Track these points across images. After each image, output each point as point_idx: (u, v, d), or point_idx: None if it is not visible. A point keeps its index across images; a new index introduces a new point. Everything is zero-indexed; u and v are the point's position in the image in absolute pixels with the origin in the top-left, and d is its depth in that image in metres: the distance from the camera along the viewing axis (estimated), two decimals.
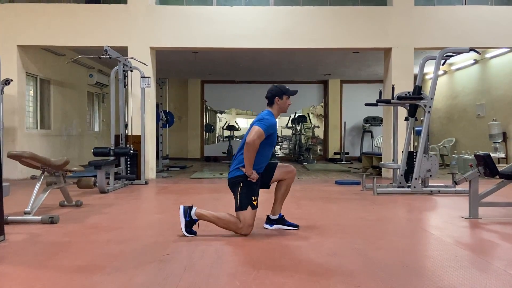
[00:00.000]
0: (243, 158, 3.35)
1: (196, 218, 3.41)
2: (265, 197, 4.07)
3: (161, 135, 10.19)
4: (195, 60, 10.20)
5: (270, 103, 3.56)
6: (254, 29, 7.94)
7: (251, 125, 3.40)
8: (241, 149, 3.42)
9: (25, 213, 3.91)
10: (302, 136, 13.63)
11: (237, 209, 3.41)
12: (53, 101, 9.22)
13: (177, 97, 13.93)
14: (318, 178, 8.20)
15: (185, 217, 3.39)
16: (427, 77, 12.19)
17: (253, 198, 3.39)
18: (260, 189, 3.57)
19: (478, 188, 4.20)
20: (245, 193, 3.38)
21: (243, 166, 3.36)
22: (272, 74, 12.57)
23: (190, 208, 3.41)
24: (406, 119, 6.37)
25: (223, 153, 13.28)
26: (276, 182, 3.69)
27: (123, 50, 7.55)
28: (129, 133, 7.40)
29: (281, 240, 3.37)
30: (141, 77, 7.40)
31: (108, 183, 6.21)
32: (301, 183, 7.41)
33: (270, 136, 3.43)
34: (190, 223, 3.41)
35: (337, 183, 7.24)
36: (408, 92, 6.11)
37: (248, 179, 3.37)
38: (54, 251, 3.03)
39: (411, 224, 4.11)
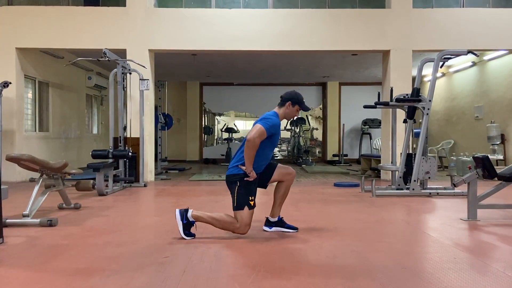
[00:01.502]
0: (243, 157, 3.34)
1: (193, 220, 3.41)
2: (264, 199, 4.08)
3: (159, 137, 10.18)
4: (193, 62, 10.20)
5: (281, 104, 3.55)
6: (253, 32, 7.95)
7: (254, 124, 3.39)
8: (242, 147, 3.41)
9: (24, 215, 3.90)
10: (300, 138, 13.64)
11: (234, 208, 3.40)
12: (52, 103, 9.21)
13: (176, 100, 13.93)
14: (317, 180, 8.20)
15: (182, 220, 3.39)
16: (425, 79, 12.21)
17: (250, 198, 3.39)
18: (260, 190, 3.57)
19: (476, 190, 4.21)
20: (242, 192, 3.38)
21: (243, 164, 3.35)
22: (270, 76, 12.58)
23: (186, 210, 3.41)
24: (405, 121, 6.37)
25: (222, 155, 13.28)
26: (275, 184, 3.69)
27: (122, 53, 7.55)
28: (128, 136, 7.39)
29: (280, 242, 3.37)
30: (140, 79, 7.40)
31: (107, 186, 6.20)
32: (300, 185, 7.41)
33: (272, 137, 3.42)
34: (187, 225, 3.41)
35: (335, 185, 7.24)
36: (407, 94, 6.13)
37: (246, 178, 3.36)
38: (53, 254, 3.03)
39: (410, 226, 4.11)
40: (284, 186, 3.64)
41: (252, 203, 3.39)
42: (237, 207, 3.38)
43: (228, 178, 3.48)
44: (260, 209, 4.50)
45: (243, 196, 3.37)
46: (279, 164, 3.67)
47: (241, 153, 3.40)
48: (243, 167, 3.34)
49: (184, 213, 3.40)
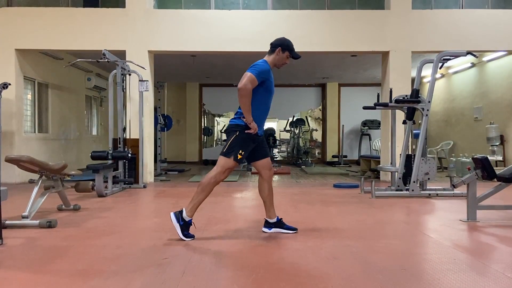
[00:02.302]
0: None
1: (190, 219, 3.40)
2: (261, 201, 4.07)
3: (159, 138, 10.19)
4: (193, 63, 10.21)
5: (271, 51, 3.57)
6: (252, 33, 7.95)
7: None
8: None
9: (23, 217, 3.90)
10: (300, 139, 13.65)
11: (222, 153, 3.41)
12: (51, 105, 9.21)
13: (175, 101, 13.94)
14: (316, 181, 8.20)
15: (178, 222, 3.39)
16: (424, 80, 12.23)
17: (240, 151, 3.38)
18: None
19: (476, 191, 4.21)
20: (236, 143, 3.38)
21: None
22: None
23: (181, 212, 3.41)
24: (404, 122, 6.38)
25: None
26: (258, 184, 3.67)
27: (121, 54, 7.55)
28: (127, 137, 7.39)
29: (280, 243, 3.36)
30: (139, 80, 7.40)
31: (106, 187, 6.20)
32: (300, 186, 7.41)
33: (264, 82, 3.42)
34: (185, 226, 3.40)
35: (335, 186, 7.24)
36: (406, 96, 6.13)
37: (247, 131, 3.35)
38: (52, 255, 3.02)
39: (410, 227, 4.11)
40: (266, 184, 3.62)
41: (239, 156, 3.38)
42: (225, 153, 3.39)
43: (229, 127, 3.48)
44: (259, 211, 4.49)
45: (235, 146, 3.37)
46: (268, 158, 3.66)
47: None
48: (245, 120, 3.33)
49: (179, 214, 3.40)
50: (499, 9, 8.21)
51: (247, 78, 3.29)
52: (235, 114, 3.53)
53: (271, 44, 3.59)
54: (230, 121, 3.52)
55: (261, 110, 3.48)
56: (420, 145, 5.94)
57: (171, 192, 6.70)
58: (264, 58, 3.57)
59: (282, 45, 3.54)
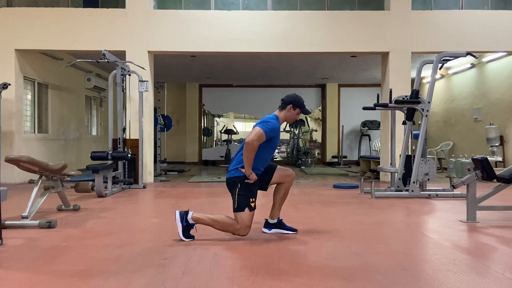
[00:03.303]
0: (242, 159, 3.35)
1: (193, 223, 3.41)
2: (263, 200, 4.07)
3: (159, 139, 10.19)
4: (193, 64, 10.21)
5: (282, 107, 3.56)
6: (252, 33, 7.95)
7: (254, 126, 3.41)
8: (241, 149, 3.42)
9: (23, 217, 3.90)
10: (300, 139, 13.65)
11: (235, 210, 3.41)
12: (51, 105, 9.20)
13: (175, 101, 13.93)
14: (316, 182, 8.20)
15: (181, 222, 3.39)
16: (424, 81, 12.23)
17: (251, 200, 3.39)
18: (259, 192, 3.57)
19: (475, 191, 4.21)
20: (243, 194, 3.38)
21: (242, 167, 3.36)
22: (270, 78, 12.59)
23: (186, 212, 3.41)
24: (404, 122, 6.38)
25: (221, 157, 13.28)
26: (275, 185, 3.69)
27: (121, 54, 7.55)
28: (127, 137, 7.38)
29: (280, 244, 3.36)
30: (139, 81, 7.40)
31: (106, 187, 6.19)
32: (299, 187, 7.41)
33: (271, 140, 3.44)
34: (187, 227, 3.40)
35: (335, 186, 7.24)
36: (406, 96, 6.14)
37: (247, 180, 3.37)
38: (52, 255, 3.02)
39: (409, 228, 4.11)
40: (284, 188, 3.64)
41: (252, 205, 3.40)
42: (238, 208, 3.39)
43: (229, 180, 3.49)
44: (259, 211, 4.49)
45: (244, 198, 3.38)
46: (278, 166, 3.68)
47: (240, 155, 3.40)
48: (243, 170, 3.35)
49: (184, 215, 3.40)
50: (498, 10, 8.21)
51: (255, 133, 3.30)
52: (231, 163, 3.52)
53: (283, 100, 3.59)
54: (228, 174, 3.50)
55: (260, 162, 3.47)
56: (419, 145, 5.94)
57: (170, 192, 6.70)
58: (275, 113, 3.56)
59: (293, 102, 3.54)
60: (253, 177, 3.37)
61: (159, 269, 2.68)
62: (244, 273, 2.63)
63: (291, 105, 3.53)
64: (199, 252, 3.07)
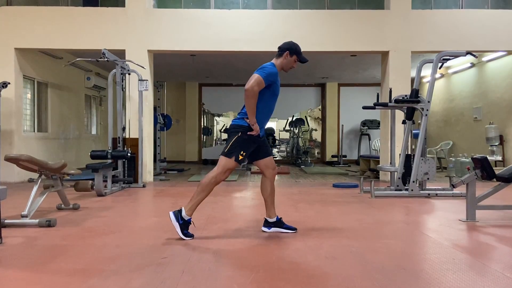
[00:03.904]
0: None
1: (189, 218, 3.40)
2: (260, 200, 4.07)
3: (158, 138, 10.19)
4: (193, 63, 10.21)
5: (279, 54, 3.56)
6: (252, 32, 7.95)
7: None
8: None
9: (22, 216, 3.90)
10: (299, 139, 13.65)
11: (223, 153, 3.42)
12: (51, 104, 9.20)
13: (175, 100, 13.93)
14: (316, 181, 8.20)
15: (177, 221, 3.39)
16: (424, 80, 12.23)
17: (242, 152, 3.38)
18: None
19: (475, 191, 4.22)
20: (238, 143, 3.38)
21: (248, 118, 3.35)
22: None
23: (180, 211, 3.41)
24: (404, 122, 6.39)
25: None
26: (260, 183, 3.68)
27: (121, 53, 7.55)
28: (127, 136, 7.38)
29: (279, 243, 3.36)
30: (139, 80, 7.40)
31: (105, 186, 6.19)
32: (299, 186, 7.41)
33: (271, 85, 3.43)
34: (185, 225, 3.40)
35: (334, 186, 7.24)
36: (406, 95, 6.14)
37: (249, 132, 3.36)
38: (52, 254, 3.02)
39: (409, 227, 4.12)
40: (269, 183, 3.63)
41: (241, 157, 3.39)
42: (227, 153, 3.39)
43: (232, 127, 3.49)
44: (258, 210, 4.49)
45: (237, 147, 3.38)
46: (271, 157, 3.68)
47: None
48: (248, 120, 3.34)
49: (178, 213, 3.40)
50: (498, 9, 8.21)
51: (254, 79, 3.30)
52: (238, 114, 3.54)
53: (279, 47, 3.59)
54: (232, 121, 3.52)
55: (265, 112, 3.49)
56: (419, 145, 5.94)
57: (170, 191, 6.70)
58: (272, 61, 3.57)
59: (290, 49, 3.54)
60: (256, 127, 3.35)
61: (158, 268, 2.68)
62: (244, 272, 2.63)
63: (287, 51, 3.53)
64: (198, 251, 3.07)
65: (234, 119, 3.54)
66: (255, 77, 3.32)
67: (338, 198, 5.89)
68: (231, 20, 7.99)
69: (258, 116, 3.39)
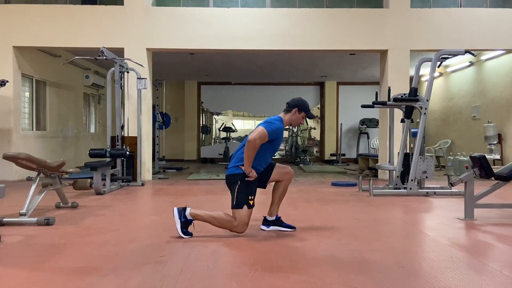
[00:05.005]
0: (243, 157, 3.35)
1: (191, 218, 3.41)
2: (262, 198, 4.08)
3: (157, 136, 10.18)
4: (191, 61, 10.19)
5: (287, 110, 3.58)
6: (251, 31, 7.94)
7: (258, 126, 3.42)
8: (242, 147, 3.42)
9: (21, 214, 3.89)
10: (298, 137, 13.65)
11: (233, 207, 3.41)
12: (49, 102, 9.18)
13: (174, 99, 13.91)
14: (315, 180, 8.21)
15: (180, 218, 3.40)
16: (423, 79, 12.23)
17: (250, 198, 3.40)
18: (258, 189, 3.58)
19: (473, 189, 4.22)
20: (242, 191, 3.39)
21: (243, 165, 3.36)
22: (268, 75, 12.58)
23: (184, 209, 3.41)
24: (402, 120, 6.39)
25: (220, 154, 13.28)
26: (274, 183, 3.70)
27: (119, 52, 7.54)
28: (126, 135, 7.37)
29: (278, 241, 3.37)
30: (138, 78, 7.39)
31: (104, 185, 6.18)
32: (298, 184, 7.42)
33: (273, 141, 3.46)
34: (185, 224, 3.41)
35: (333, 184, 7.25)
36: (404, 94, 6.14)
37: (247, 178, 3.37)
38: (50, 252, 3.02)
39: (407, 225, 4.12)
40: (283, 185, 3.65)
41: (251, 202, 3.40)
42: (236, 205, 3.39)
43: (229, 177, 3.49)
44: (257, 208, 4.49)
45: (243, 195, 3.38)
46: (277, 164, 3.69)
47: (241, 153, 3.41)
48: (243, 168, 3.35)
49: (182, 211, 3.41)
50: (497, 8, 8.21)
51: (258, 133, 3.31)
52: (231, 160, 3.53)
53: (288, 103, 3.60)
54: (228, 171, 3.50)
55: (260, 161, 3.47)
56: (418, 143, 5.95)
57: (169, 190, 6.70)
58: (280, 115, 3.58)
59: (298, 106, 3.55)
60: (252, 174, 3.37)
61: (157, 266, 2.69)
62: (243, 270, 2.63)
63: (296, 108, 3.55)
64: (197, 249, 3.08)
65: (228, 167, 3.52)
66: (259, 129, 3.34)
67: (337, 197, 5.89)
68: (230, 19, 7.98)
69: (254, 163, 3.39)
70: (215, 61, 10.37)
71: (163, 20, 7.92)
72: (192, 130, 14.15)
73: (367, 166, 9.27)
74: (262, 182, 3.60)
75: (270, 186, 3.72)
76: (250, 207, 3.40)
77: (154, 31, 7.89)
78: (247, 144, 3.31)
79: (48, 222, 3.86)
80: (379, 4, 8.36)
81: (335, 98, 14.03)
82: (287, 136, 14.35)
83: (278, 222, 3.71)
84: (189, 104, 14.13)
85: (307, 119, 14.32)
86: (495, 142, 8.92)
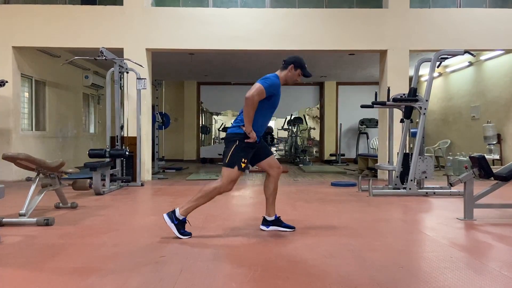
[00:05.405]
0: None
1: (184, 217, 3.40)
2: (261, 198, 4.07)
3: (157, 136, 10.18)
4: (191, 61, 10.20)
5: (284, 67, 3.56)
6: (250, 31, 7.95)
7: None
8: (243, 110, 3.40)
9: (20, 215, 3.89)
10: (298, 138, 13.65)
11: (225, 164, 3.39)
12: (49, 102, 9.18)
13: (173, 99, 13.92)
14: (314, 180, 8.21)
15: (172, 222, 3.39)
16: (422, 79, 12.25)
17: (243, 160, 3.37)
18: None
19: (473, 189, 4.23)
20: (238, 152, 3.37)
21: (244, 125, 3.35)
22: None
23: (173, 211, 3.41)
24: (402, 121, 6.39)
25: (219, 154, 13.24)
26: (264, 183, 3.68)
27: (119, 52, 7.54)
28: (125, 135, 7.37)
29: (277, 241, 3.37)
30: (137, 78, 7.39)
31: (103, 185, 6.19)
32: (297, 184, 7.42)
33: (271, 97, 3.43)
34: (180, 224, 3.40)
35: (333, 184, 7.25)
36: (404, 94, 6.14)
37: (246, 140, 3.36)
38: (50, 253, 3.02)
39: (407, 225, 4.12)
40: (272, 182, 3.63)
41: (243, 165, 3.37)
42: (229, 164, 3.37)
43: (228, 136, 3.47)
44: (257, 208, 4.49)
45: (237, 156, 3.36)
46: (273, 155, 3.68)
47: (242, 114, 3.39)
48: (244, 128, 3.34)
49: (172, 214, 3.40)
50: (496, 8, 8.22)
51: (256, 89, 3.30)
52: (233, 122, 3.53)
53: (284, 60, 3.59)
54: (228, 130, 3.51)
55: (261, 121, 3.47)
56: (417, 143, 5.95)
57: (168, 190, 6.70)
58: (276, 73, 3.57)
59: (295, 63, 3.55)
60: (253, 135, 3.35)
61: (156, 266, 2.69)
62: (242, 270, 2.63)
63: (292, 65, 3.54)
64: (196, 250, 3.08)
65: (229, 127, 3.53)
66: (256, 86, 3.32)
67: (336, 197, 5.90)
68: (229, 19, 7.98)
69: (255, 125, 3.38)
70: (215, 61, 10.38)
71: (163, 20, 7.92)
72: (192, 130, 14.15)
73: (367, 166, 9.28)
74: (255, 157, 3.56)
75: (261, 185, 3.71)
76: (241, 169, 3.37)
77: (154, 31, 7.89)
78: (245, 101, 3.28)
79: (47, 223, 3.86)
80: (379, 4, 8.36)
81: (335, 98, 14.03)
82: (286, 136, 14.35)
83: (277, 222, 3.71)
84: (189, 104, 14.13)
85: (305, 117, 14.40)
86: (494, 142, 8.93)
